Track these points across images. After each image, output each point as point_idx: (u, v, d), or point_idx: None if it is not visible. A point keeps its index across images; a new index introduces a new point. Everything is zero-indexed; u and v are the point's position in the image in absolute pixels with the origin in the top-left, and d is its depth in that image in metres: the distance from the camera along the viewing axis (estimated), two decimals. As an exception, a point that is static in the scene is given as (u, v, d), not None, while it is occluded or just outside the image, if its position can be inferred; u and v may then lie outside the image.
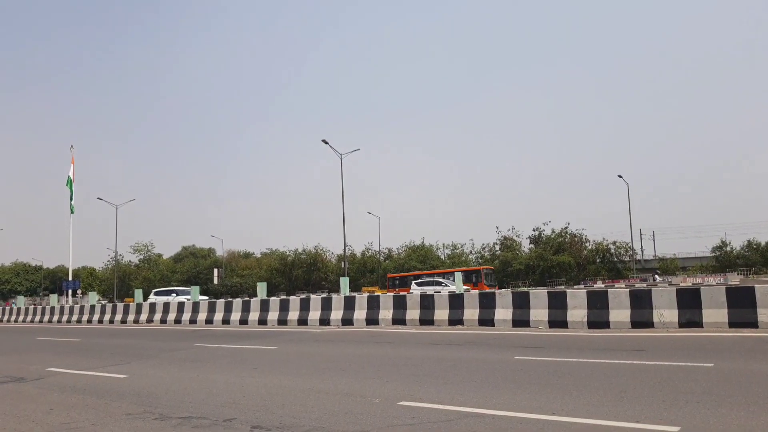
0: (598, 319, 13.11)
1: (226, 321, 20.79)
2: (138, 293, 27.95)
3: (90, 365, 10.66)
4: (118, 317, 24.99)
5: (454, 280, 41.42)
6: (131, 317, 24.48)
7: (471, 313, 15.26)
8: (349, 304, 18.03)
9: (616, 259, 60.94)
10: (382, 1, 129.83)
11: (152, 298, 32.85)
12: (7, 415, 6.49)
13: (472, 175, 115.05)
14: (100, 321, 25.66)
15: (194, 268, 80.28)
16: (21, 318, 30.37)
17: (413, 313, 16.43)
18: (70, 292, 38.74)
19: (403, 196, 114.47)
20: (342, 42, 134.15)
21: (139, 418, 6.02)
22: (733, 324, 11.67)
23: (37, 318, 29.26)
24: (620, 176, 52.51)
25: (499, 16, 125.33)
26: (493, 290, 19.22)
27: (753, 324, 11.49)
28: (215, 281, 67.73)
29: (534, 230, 65.53)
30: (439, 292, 22.42)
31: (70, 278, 39.60)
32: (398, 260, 67.57)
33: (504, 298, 14.96)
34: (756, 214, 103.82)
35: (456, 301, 15.80)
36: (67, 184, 39.03)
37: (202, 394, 7.22)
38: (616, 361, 8.36)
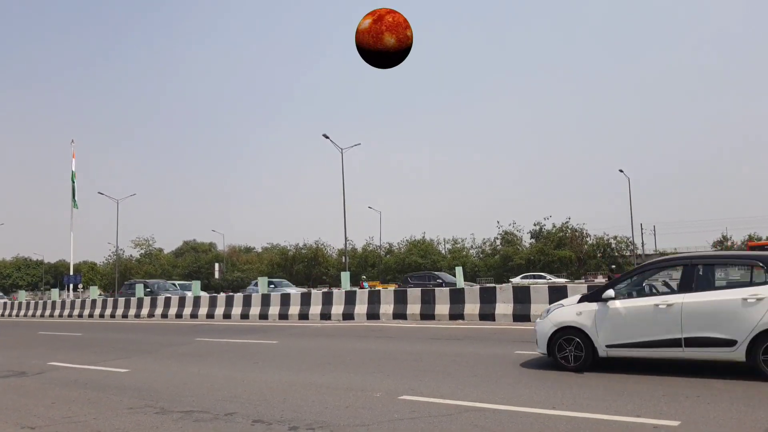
0: (598, 314, 13.09)
1: (227, 315, 20.83)
2: (139, 287, 27.96)
3: (91, 359, 10.69)
4: (119, 312, 25.04)
5: None
6: (132, 312, 24.52)
7: (472, 307, 15.28)
8: (350, 299, 18.05)
9: (616, 254, 60.99)
10: (385, 4, 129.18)
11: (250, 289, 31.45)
12: (9, 409, 6.51)
13: (472, 170, 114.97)
14: (101, 315, 25.71)
15: (195, 263, 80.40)
16: (22, 312, 30.45)
17: (414, 308, 16.44)
18: (71, 286, 38.75)
19: (403, 191, 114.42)
20: (344, 42, 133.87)
21: (141, 412, 6.04)
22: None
23: (39, 312, 29.32)
24: (621, 171, 52.56)
25: (500, 10, 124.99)
26: (493, 285, 19.21)
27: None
28: (216, 276, 67.71)
29: (535, 225, 65.58)
30: None
31: (71, 273, 39.65)
32: (399, 255, 67.67)
33: (505, 292, 14.97)
34: (757, 208, 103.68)
35: (457, 296, 15.81)
36: (71, 179, 39.02)
37: (203, 389, 7.24)
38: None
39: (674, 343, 6.73)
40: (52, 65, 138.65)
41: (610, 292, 7.34)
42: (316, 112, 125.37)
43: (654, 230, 70.95)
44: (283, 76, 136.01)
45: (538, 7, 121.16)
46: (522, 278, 46.02)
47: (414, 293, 16.82)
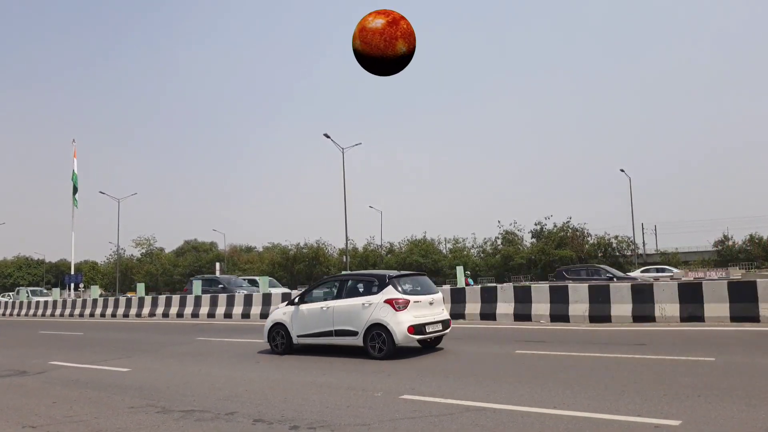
0: (599, 314, 13.11)
1: (228, 315, 20.83)
2: (140, 287, 27.96)
3: (92, 359, 10.70)
4: (120, 311, 25.05)
5: None
6: (133, 311, 24.53)
7: (473, 307, 15.26)
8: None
9: (617, 254, 60.89)
10: (385, 4, 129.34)
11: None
12: (10, 409, 6.51)
13: (472, 170, 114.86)
14: (102, 315, 25.72)
15: (196, 262, 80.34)
16: (23, 312, 30.49)
17: (415, 307, 16.45)
18: (72, 286, 38.71)
19: (404, 191, 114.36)
20: (345, 42, 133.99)
21: (142, 412, 6.04)
22: (734, 318, 11.66)
23: (40, 312, 29.35)
24: (622, 170, 52.49)
25: (500, 10, 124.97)
26: (494, 285, 19.19)
27: (755, 318, 11.49)
28: (217, 275, 67.82)
29: (536, 224, 65.41)
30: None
31: (72, 272, 39.60)
32: (400, 254, 67.62)
33: (506, 292, 14.95)
34: (758, 208, 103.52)
35: (458, 296, 15.79)
36: (72, 179, 38.98)
37: (204, 388, 7.25)
38: (617, 356, 8.36)
39: (329, 333, 9.68)
40: (52, 65, 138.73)
41: (297, 299, 10.35)
42: (316, 112, 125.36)
43: (655, 230, 70.91)
44: (283, 76, 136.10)
45: (538, 7, 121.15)
46: (642, 272, 39.63)
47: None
